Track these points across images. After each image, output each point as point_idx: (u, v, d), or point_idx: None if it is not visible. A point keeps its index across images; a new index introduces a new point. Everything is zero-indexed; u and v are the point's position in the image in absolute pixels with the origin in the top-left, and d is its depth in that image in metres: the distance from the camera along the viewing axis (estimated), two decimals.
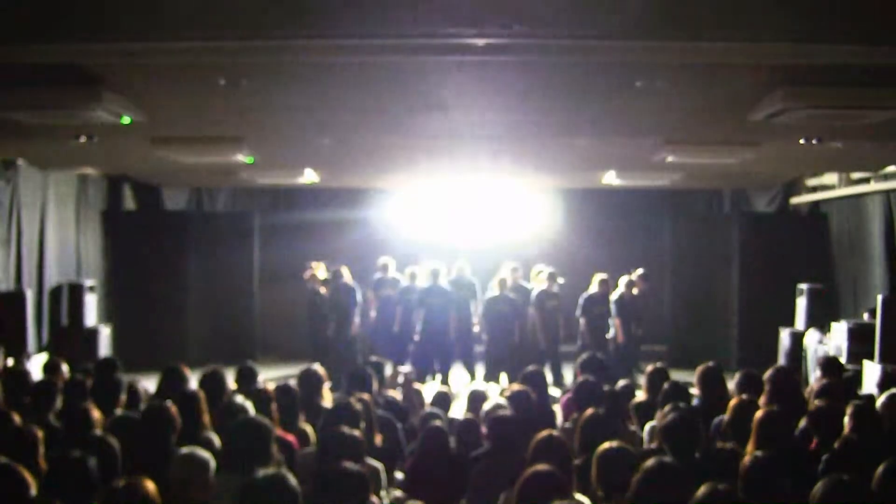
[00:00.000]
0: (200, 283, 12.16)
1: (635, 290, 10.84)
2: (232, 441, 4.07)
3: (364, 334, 11.15)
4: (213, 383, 5.49)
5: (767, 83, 5.44)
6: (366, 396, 5.29)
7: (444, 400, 6.57)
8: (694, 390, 5.73)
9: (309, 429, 5.07)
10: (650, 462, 3.45)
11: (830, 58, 4.69)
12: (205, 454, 3.72)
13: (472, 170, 10.28)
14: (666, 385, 5.50)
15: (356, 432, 4.19)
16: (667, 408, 4.71)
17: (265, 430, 4.00)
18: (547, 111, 6.72)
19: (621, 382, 6.35)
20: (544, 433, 4.08)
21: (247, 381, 5.90)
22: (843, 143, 7.50)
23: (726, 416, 4.80)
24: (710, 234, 12.47)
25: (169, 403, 4.48)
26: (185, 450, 3.80)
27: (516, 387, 5.43)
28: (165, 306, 11.69)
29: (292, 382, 5.71)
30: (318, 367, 5.96)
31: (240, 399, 5.06)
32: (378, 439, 4.97)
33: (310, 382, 5.71)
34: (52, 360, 6.91)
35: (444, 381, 10.19)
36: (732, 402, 4.82)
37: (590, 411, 4.41)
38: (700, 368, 5.74)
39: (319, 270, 11.25)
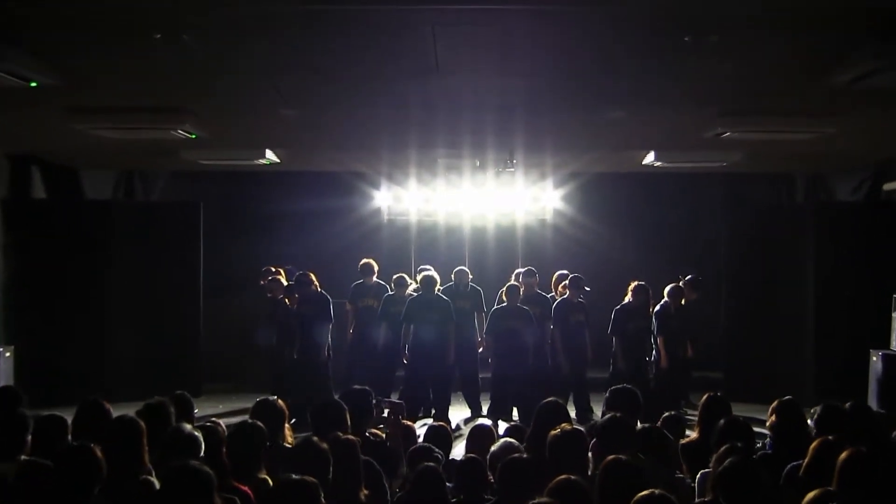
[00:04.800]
0: (129, 293, 12.12)
1: (683, 301, 10.85)
2: (165, 494, 4.06)
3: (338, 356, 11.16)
4: (156, 417, 5.49)
5: (855, 36, 5.44)
6: (345, 435, 5.30)
7: (439, 437, 6.58)
8: (759, 429, 5.73)
9: (268, 478, 5.07)
10: None
11: None
12: None
13: (476, 148, 10.29)
14: (723, 421, 5.50)
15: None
16: (723, 450, 4.72)
17: (205, 481, 3.99)
18: (571, 75, 6.73)
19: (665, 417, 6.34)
20: (561, 477, 4.09)
21: (181, 413, 5.90)
22: None
23: (805, 461, 4.82)
24: (779, 231, 12.46)
25: (92, 446, 4.45)
26: None
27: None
28: (84, 322, 11.66)
29: (245, 420, 5.71)
30: (275, 400, 5.97)
31: (188, 428, 5.04)
32: (363, 492, 4.99)
33: (266, 418, 5.69)
34: None
35: (441, 416, 10.19)
36: (813, 445, 4.83)
37: (610, 458, 4.39)
38: (777, 402, 5.73)
39: (282, 276, 11.24)
